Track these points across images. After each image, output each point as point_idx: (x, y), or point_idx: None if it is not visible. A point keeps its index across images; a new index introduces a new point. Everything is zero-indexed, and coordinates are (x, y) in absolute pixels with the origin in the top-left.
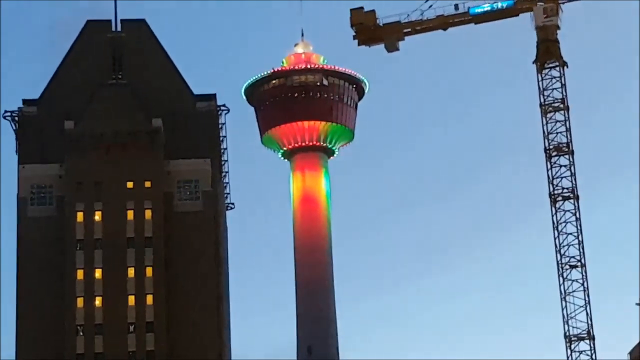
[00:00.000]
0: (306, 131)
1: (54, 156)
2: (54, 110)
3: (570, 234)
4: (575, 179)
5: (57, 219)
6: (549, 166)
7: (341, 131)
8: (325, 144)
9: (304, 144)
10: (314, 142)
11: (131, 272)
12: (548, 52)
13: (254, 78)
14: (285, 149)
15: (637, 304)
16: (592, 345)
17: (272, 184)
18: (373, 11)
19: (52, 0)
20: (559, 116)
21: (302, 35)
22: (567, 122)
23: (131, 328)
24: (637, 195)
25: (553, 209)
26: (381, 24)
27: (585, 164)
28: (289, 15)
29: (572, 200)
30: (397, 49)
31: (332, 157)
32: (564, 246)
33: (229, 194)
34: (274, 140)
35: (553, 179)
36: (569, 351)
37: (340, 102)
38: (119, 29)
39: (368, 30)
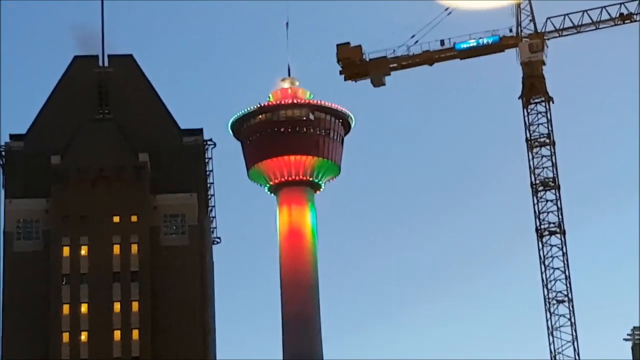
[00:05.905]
0: (292, 166)
1: (40, 191)
2: (41, 145)
3: (557, 268)
4: (561, 214)
5: (43, 254)
6: (535, 201)
7: (327, 166)
8: (311, 179)
9: (290, 178)
10: (301, 177)
11: (117, 306)
12: (533, 88)
13: (241, 113)
14: (271, 183)
15: (625, 339)
16: None
17: (258, 218)
18: (359, 46)
19: (38, 37)
20: (545, 151)
21: (289, 70)
22: (553, 157)
23: None
24: (624, 230)
25: (540, 243)
26: (367, 59)
27: (572, 199)
28: (276, 51)
29: (558, 235)
30: (384, 84)
31: (318, 192)
32: (550, 281)
33: (215, 228)
34: (261, 174)
35: (540, 213)
36: None
37: (326, 137)
38: (106, 64)
39: (354, 65)
